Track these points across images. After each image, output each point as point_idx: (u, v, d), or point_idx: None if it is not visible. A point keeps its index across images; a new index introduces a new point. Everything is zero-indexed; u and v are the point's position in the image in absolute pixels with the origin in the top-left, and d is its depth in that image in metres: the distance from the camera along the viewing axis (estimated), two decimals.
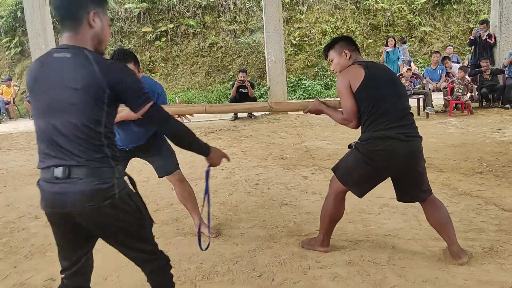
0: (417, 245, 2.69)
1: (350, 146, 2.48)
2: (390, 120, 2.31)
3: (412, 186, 2.44)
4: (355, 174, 2.41)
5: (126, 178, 1.65)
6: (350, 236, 2.90)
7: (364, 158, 2.35)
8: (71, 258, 1.66)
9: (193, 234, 3.11)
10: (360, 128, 2.47)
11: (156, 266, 1.74)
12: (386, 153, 2.30)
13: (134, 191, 1.65)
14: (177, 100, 12.81)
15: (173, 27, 13.59)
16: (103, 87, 1.47)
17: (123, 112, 2.79)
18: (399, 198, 2.53)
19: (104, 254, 2.91)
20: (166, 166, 3.02)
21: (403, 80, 8.41)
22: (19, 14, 13.51)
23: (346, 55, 2.50)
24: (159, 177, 3.10)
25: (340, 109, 2.50)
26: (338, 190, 2.53)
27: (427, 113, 7.83)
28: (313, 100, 2.69)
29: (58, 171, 1.48)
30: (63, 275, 1.70)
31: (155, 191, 4.28)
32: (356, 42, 2.68)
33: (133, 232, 1.63)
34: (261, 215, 3.43)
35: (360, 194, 2.49)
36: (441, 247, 2.61)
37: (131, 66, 2.72)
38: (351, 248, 2.71)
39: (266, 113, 9.55)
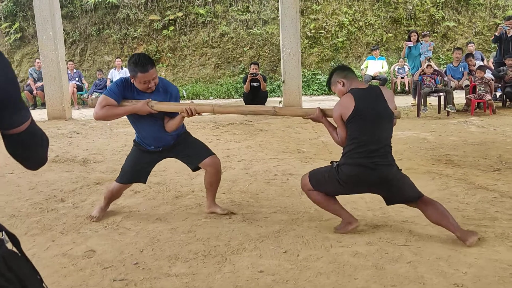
0: (433, 230, 3.10)
1: (331, 163, 3.09)
2: (366, 150, 2.92)
3: (393, 197, 3.05)
4: (328, 187, 3.09)
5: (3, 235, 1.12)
6: (369, 222, 3.32)
7: (338, 179, 2.99)
8: None
9: (218, 217, 3.54)
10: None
11: None
12: (355, 179, 2.96)
13: (18, 253, 1.15)
14: (184, 93, 13.06)
15: (182, 16, 14.06)
16: None
17: (128, 106, 3.19)
18: (386, 203, 3.13)
19: (136, 232, 3.37)
20: (199, 154, 3.47)
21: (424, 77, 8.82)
22: None
23: (340, 83, 3.14)
24: (193, 170, 3.58)
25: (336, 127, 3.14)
26: (311, 189, 3.16)
27: (448, 112, 8.22)
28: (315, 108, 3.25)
29: None
30: None
31: (174, 179, 4.71)
32: (352, 67, 3.35)
33: None
34: (282, 202, 3.86)
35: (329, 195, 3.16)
36: None
37: (153, 71, 3.15)
38: (371, 232, 3.13)
39: None
